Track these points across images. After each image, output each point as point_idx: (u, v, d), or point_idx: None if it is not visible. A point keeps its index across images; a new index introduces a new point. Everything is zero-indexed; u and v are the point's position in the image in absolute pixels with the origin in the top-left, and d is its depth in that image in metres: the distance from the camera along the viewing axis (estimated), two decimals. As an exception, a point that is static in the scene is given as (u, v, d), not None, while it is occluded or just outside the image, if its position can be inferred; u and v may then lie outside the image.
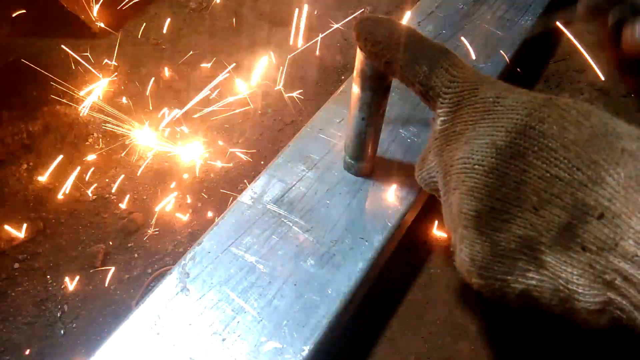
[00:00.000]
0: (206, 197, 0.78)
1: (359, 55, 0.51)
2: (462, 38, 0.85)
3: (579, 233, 0.35)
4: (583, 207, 0.34)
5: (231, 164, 0.82)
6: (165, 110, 0.88)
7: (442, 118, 0.45)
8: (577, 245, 0.35)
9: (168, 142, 0.84)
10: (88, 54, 0.94)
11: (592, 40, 0.84)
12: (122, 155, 0.81)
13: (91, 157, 0.80)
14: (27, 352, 0.63)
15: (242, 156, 0.83)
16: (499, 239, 0.39)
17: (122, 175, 0.79)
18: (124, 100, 0.89)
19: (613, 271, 0.33)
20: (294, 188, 0.65)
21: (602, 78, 0.80)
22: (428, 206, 0.69)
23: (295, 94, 0.91)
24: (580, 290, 0.35)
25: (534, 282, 0.38)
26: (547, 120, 0.38)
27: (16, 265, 0.69)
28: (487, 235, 0.40)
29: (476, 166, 0.40)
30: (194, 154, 0.83)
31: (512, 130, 0.39)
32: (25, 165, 0.78)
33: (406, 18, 0.88)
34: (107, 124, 0.85)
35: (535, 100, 0.39)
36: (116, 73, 0.92)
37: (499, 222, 0.39)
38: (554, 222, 0.36)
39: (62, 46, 0.95)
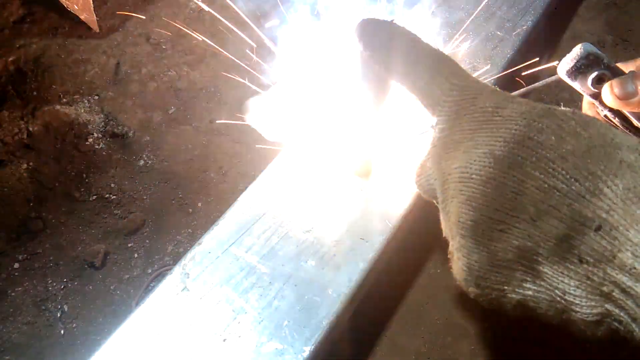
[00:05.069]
0: (206, 197, 0.78)
1: (360, 58, 0.51)
2: (462, 38, 0.85)
3: (577, 245, 0.35)
4: (580, 219, 0.34)
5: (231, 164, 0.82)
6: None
7: (440, 126, 0.45)
8: (574, 256, 0.35)
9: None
10: (88, 54, 0.94)
11: (591, 41, 0.85)
12: (122, 155, 0.81)
13: (91, 157, 0.80)
14: (27, 352, 0.63)
15: (243, 156, 0.83)
16: (496, 249, 0.39)
17: (122, 175, 0.79)
18: (124, 100, 0.89)
19: (611, 283, 0.33)
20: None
21: None
22: (428, 207, 0.69)
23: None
24: (577, 302, 0.35)
25: (530, 293, 0.38)
26: (546, 130, 0.37)
27: (16, 265, 0.69)
28: (485, 245, 0.40)
29: (474, 176, 0.40)
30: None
31: (511, 141, 0.38)
32: (25, 165, 0.78)
33: (406, 18, 0.88)
34: (107, 124, 0.85)
35: (534, 110, 0.39)
36: (116, 73, 0.92)
37: (496, 232, 0.39)
38: (552, 234, 0.35)
39: (62, 46, 0.95)
